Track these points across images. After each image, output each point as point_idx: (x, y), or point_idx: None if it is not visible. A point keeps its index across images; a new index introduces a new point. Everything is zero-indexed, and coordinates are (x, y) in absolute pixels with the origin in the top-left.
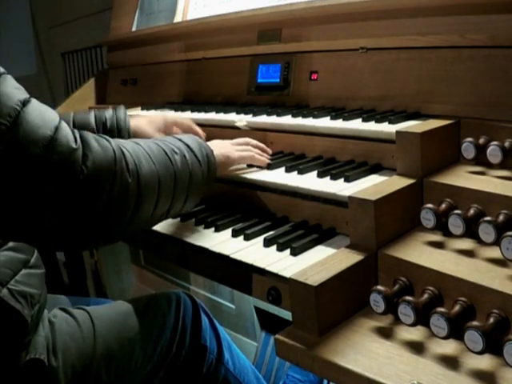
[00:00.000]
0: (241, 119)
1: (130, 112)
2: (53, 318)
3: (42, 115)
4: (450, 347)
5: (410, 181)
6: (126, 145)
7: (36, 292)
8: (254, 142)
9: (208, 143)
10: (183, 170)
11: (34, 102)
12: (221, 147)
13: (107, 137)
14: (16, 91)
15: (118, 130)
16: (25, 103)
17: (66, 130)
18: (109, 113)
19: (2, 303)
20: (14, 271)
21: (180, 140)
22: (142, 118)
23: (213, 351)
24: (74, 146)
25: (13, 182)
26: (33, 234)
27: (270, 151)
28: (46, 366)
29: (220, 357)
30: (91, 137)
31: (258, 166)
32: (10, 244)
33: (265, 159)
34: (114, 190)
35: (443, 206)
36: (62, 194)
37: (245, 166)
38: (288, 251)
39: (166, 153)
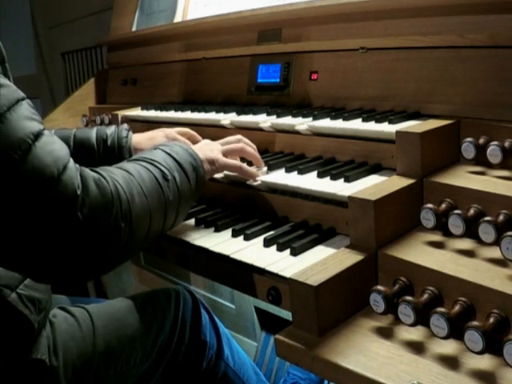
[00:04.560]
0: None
1: (130, 112)
2: (52, 318)
3: (53, 152)
4: (450, 347)
5: (410, 181)
6: (120, 178)
7: (43, 297)
8: (246, 140)
9: (195, 146)
10: (173, 195)
11: (47, 136)
12: (207, 153)
13: (106, 173)
14: (29, 123)
15: (119, 148)
16: (37, 136)
17: (73, 172)
18: (110, 130)
19: (10, 308)
20: (23, 276)
21: (170, 156)
22: (142, 136)
23: (212, 346)
24: (78, 191)
25: (10, 216)
26: (26, 267)
27: (261, 163)
28: (47, 366)
29: (220, 352)
30: (91, 178)
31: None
32: None
33: (254, 171)
34: (107, 233)
35: (443, 205)
36: (54, 235)
37: (254, 167)
38: (288, 251)
39: (157, 181)
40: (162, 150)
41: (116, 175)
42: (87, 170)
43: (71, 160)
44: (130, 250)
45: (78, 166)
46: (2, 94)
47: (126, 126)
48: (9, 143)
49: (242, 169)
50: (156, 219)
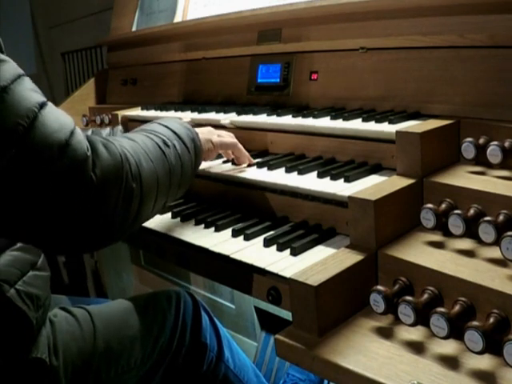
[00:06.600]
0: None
1: (130, 112)
2: (53, 318)
3: (59, 119)
4: (450, 347)
5: (410, 181)
6: (126, 145)
7: (42, 294)
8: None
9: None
10: (176, 163)
11: (51, 106)
12: (203, 132)
13: (112, 139)
14: (34, 94)
15: None
16: (42, 106)
17: (81, 136)
18: (105, 132)
19: (9, 304)
20: (22, 272)
21: (167, 127)
22: None
23: (213, 349)
24: (88, 153)
25: (22, 184)
26: (38, 236)
27: (252, 161)
28: (47, 366)
29: (220, 354)
30: (99, 142)
31: (238, 164)
32: (19, 244)
33: (247, 155)
34: (120, 196)
35: (443, 205)
36: (69, 200)
37: (245, 165)
38: (288, 251)
39: (160, 147)
40: (159, 124)
41: (122, 142)
42: (94, 136)
43: (77, 126)
44: (140, 215)
45: (84, 133)
46: (5, 68)
47: (120, 128)
48: (16, 113)
49: (237, 146)
50: (163, 184)
